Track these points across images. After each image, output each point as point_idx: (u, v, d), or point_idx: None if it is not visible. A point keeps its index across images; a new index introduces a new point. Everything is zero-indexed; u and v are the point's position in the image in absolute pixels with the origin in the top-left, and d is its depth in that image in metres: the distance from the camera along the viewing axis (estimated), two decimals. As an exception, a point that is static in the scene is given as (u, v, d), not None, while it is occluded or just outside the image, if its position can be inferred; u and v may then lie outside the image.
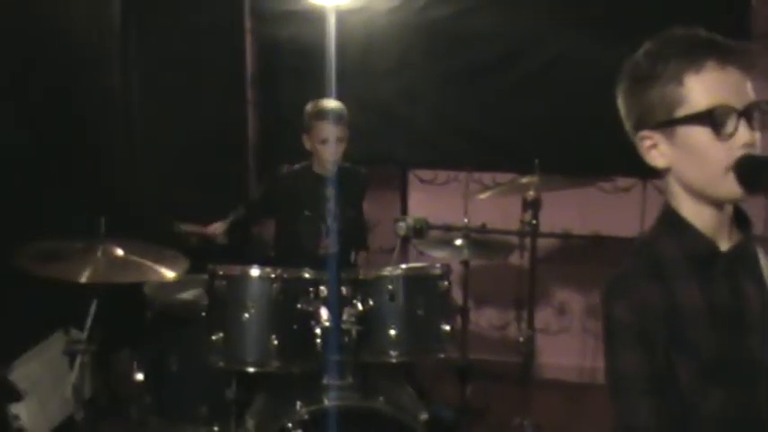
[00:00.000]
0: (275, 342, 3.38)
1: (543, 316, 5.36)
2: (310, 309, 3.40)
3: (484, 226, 5.15)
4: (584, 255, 5.30)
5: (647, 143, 1.73)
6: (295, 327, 3.41)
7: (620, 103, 1.77)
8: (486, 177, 5.31)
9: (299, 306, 3.40)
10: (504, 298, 5.54)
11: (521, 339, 4.59)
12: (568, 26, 5.01)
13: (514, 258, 5.15)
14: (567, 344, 5.45)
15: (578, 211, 5.22)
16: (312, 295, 3.43)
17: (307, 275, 3.47)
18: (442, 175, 5.51)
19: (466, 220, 4.46)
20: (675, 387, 1.68)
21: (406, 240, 4.65)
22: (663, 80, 1.67)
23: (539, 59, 5.10)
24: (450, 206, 5.12)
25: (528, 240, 4.58)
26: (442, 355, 3.58)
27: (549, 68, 5.08)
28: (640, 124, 1.73)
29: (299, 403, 3.32)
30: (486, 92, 5.19)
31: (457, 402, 4.49)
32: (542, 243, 5.17)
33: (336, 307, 3.43)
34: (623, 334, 1.70)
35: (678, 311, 1.69)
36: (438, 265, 3.64)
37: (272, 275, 3.42)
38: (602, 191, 5.18)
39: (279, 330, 3.40)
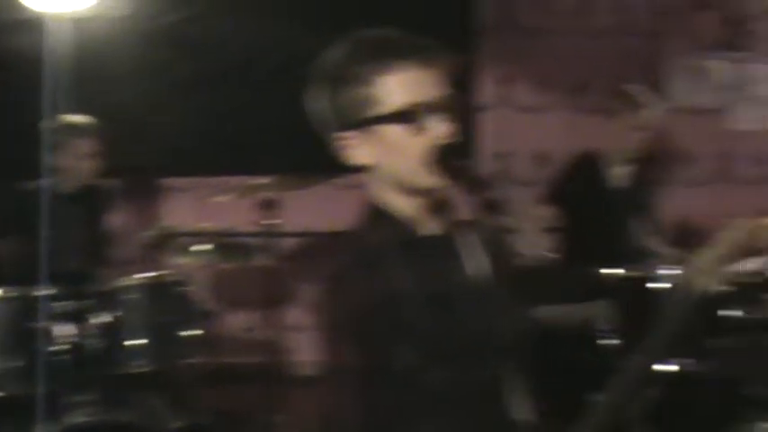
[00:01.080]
0: (13, 364, 3.29)
1: (293, 314, 5.45)
2: (47, 327, 3.32)
3: (230, 229, 5.18)
4: (328, 251, 5.41)
5: (346, 143, 1.80)
6: (32, 346, 3.32)
7: (316, 105, 1.83)
8: (232, 181, 5.31)
9: (34, 325, 3.32)
10: (253, 299, 5.57)
11: (270, 339, 4.64)
12: (300, 31, 5.10)
13: (262, 260, 5.19)
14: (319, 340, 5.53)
15: (320, 208, 5.34)
16: (49, 313, 3.35)
17: (42, 293, 3.38)
18: (187, 181, 5.48)
19: (210, 225, 4.47)
20: (399, 374, 1.75)
21: (153, 249, 4.62)
22: (357, 81, 1.74)
23: (278, 61, 5.17)
24: (195, 212, 5.09)
25: (270, 241, 4.64)
26: (190, 361, 3.61)
27: (287, 69, 5.16)
28: (337, 125, 1.79)
29: (43, 425, 3.24)
30: (227, 95, 5.21)
31: (212, 407, 4.50)
32: (288, 242, 5.27)
33: (76, 323, 3.38)
34: (341, 329, 1.77)
35: (394, 299, 1.75)
36: (179, 271, 3.66)
37: (4, 296, 3.33)
38: (338, 188, 5.31)
39: (16, 352, 3.31)
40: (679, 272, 3.50)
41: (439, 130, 1.73)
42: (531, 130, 5.56)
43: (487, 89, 5.47)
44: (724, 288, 3.68)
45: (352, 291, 1.75)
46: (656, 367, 3.33)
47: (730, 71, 5.80)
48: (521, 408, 1.82)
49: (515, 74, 5.50)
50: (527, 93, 5.54)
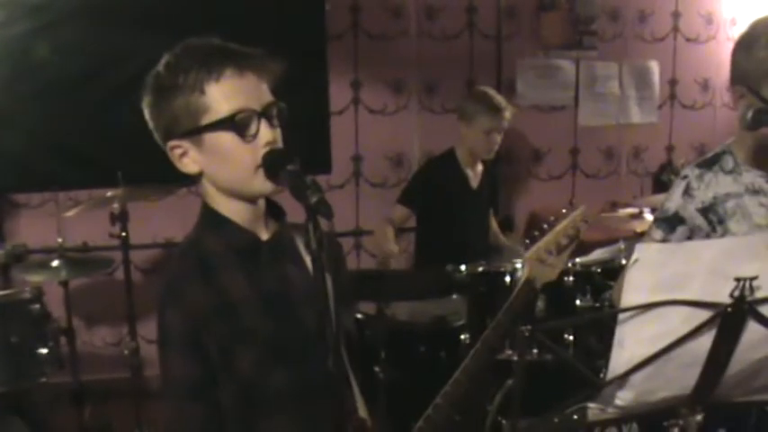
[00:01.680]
0: None
1: (154, 327, 5.35)
2: None
3: (85, 244, 5.10)
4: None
5: (178, 152, 1.82)
6: None
7: (147, 115, 1.85)
8: (82, 195, 5.19)
9: None
10: (114, 314, 5.45)
11: (131, 353, 4.56)
12: (154, 38, 5.01)
13: (120, 273, 5.09)
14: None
15: (179, 219, 5.26)
16: None
17: None
18: (37, 197, 5.31)
19: (60, 240, 4.36)
20: (233, 380, 1.78)
21: (5, 268, 4.50)
22: (185, 90, 1.76)
23: (124, 72, 5.07)
24: (47, 228, 4.96)
25: (124, 253, 4.55)
26: (43, 380, 3.54)
27: (134, 81, 5.07)
28: (169, 134, 1.81)
29: None
30: (74, 108, 5.09)
31: (76, 427, 4.39)
32: (147, 254, 5.21)
33: None
34: (173, 339, 1.78)
35: (230, 305, 1.79)
36: (27, 288, 3.57)
37: None
38: (197, 196, 5.25)
39: None
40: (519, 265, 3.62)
41: (267, 136, 1.76)
42: (384, 133, 5.64)
43: (340, 93, 5.52)
44: (567, 277, 3.83)
45: (184, 301, 1.77)
46: (510, 358, 3.45)
47: (576, 70, 6.00)
48: (357, 404, 1.86)
49: (367, 77, 5.58)
50: (379, 95, 5.62)
